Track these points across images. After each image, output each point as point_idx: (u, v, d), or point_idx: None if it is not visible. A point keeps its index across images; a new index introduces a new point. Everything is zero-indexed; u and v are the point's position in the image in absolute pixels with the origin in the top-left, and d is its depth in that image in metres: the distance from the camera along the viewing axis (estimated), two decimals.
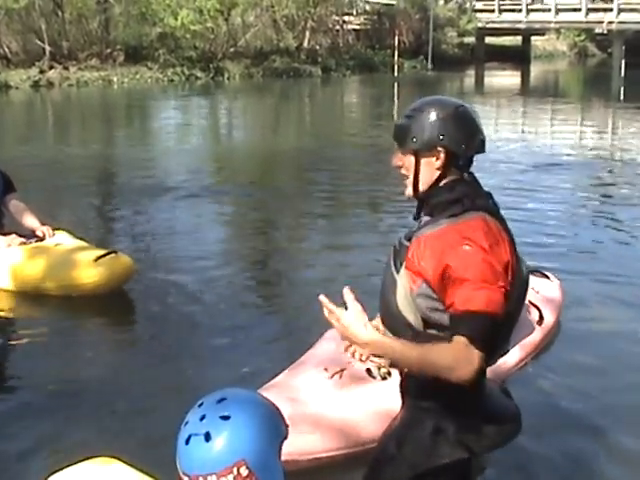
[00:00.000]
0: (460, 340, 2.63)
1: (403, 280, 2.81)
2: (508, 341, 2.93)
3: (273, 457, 2.25)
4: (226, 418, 2.22)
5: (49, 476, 2.98)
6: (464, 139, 2.85)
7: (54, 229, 7.56)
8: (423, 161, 2.86)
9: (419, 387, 2.86)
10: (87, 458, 3.03)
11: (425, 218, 2.90)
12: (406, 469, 2.87)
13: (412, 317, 2.79)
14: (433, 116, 2.84)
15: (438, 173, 2.86)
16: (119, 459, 3.01)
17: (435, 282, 2.71)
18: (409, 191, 2.93)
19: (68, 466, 2.99)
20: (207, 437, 2.19)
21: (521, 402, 3.12)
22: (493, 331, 2.65)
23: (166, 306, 7.18)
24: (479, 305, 2.62)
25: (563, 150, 16.60)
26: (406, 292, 2.79)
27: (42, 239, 7.42)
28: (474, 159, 2.92)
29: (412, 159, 2.88)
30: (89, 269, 7.02)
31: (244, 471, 2.19)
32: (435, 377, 2.66)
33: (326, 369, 4.70)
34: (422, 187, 2.89)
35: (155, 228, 10.04)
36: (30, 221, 7.48)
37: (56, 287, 7.13)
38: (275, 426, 2.28)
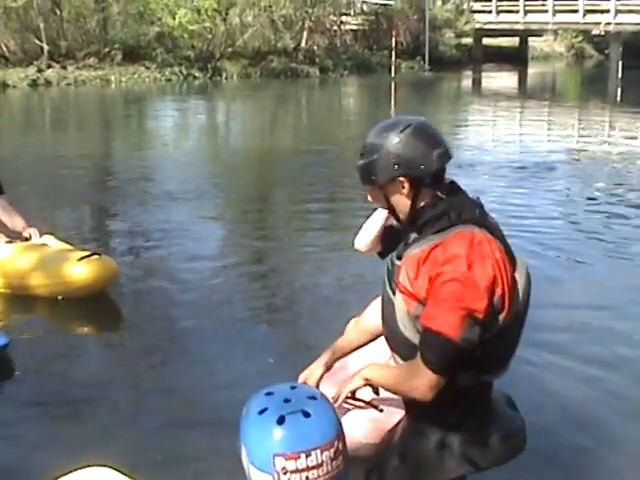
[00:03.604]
0: (417, 356, 2.70)
1: (399, 302, 2.77)
2: (511, 353, 2.88)
3: None
4: (313, 398, 2.24)
5: None
6: (419, 160, 2.76)
7: (41, 232, 7.60)
8: (391, 193, 2.83)
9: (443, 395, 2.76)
10: (80, 467, 3.00)
11: (413, 235, 2.83)
12: None
13: (413, 337, 2.75)
14: (383, 148, 2.78)
15: (410, 198, 2.81)
16: (111, 467, 2.99)
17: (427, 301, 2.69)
18: (394, 221, 2.93)
19: (59, 477, 2.96)
20: (305, 414, 2.19)
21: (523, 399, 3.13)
22: (447, 352, 2.62)
23: (159, 310, 7.18)
24: (437, 325, 2.62)
25: (560, 152, 16.61)
26: (404, 313, 2.76)
27: (28, 240, 7.46)
28: (445, 169, 2.83)
29: (381, 194, 2.86)
30: (72, 269, 7.04)
31: (341, 445, 2.20)
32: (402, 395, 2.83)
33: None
34: (402, 215, 2.85)
35: (148, 230, 10.01)
36: (17, 223, 7.52)
37: (38, 286, 7.16)
38: None
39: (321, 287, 7.70)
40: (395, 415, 4.17)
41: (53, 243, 7.56)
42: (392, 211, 2.88)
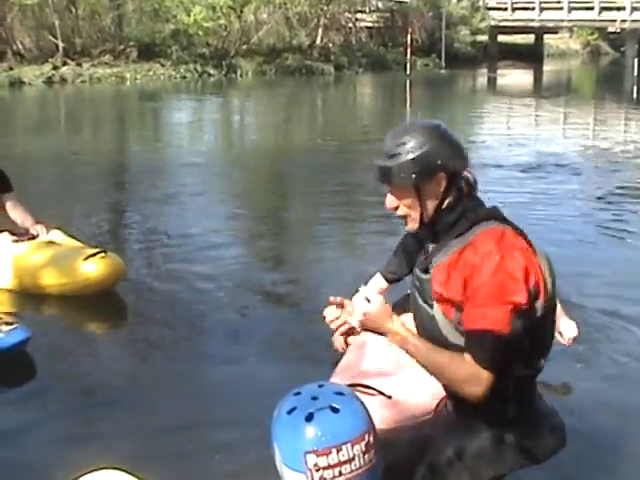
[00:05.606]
0: (469, 359, 2.69)
1: (439, 313, 2.79)
2: (553, 336, 2.94)
3: None
4: (341, 394, 2.24)
5: None
6: (458, 155, 2.82)
7: (48, 228, 7.59)
8: (426, 192, 2.81)
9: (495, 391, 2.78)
10: (92, 470, 2.95)
11: (431, 246, 2.87)
12: (468, 478, 2.88)
13: (461, 341, 2.76)
14: (423, 145, 2.77)
15: (441, 197, 2.81)
16: (123, 470, 2.95)
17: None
18: (414, 226, 2.88)
19: None
20: (333, 409, 2.19)
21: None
22: (501, 349, 2.65)
23: (171, 307, 7.09)
24: (484, 324, 2.64)
25: (575, 150, 16.53)
26: (447, 323, 2.78)
27: (35, 237, 7.46)
28: None
29: (413, 195, 2.82)
30: (78, 268, 7.02)
31: (372, 438, 2.19)
32: (447, 385, 2.81)
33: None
34: (427, 218, 2.84)
35: (160, 228, 9.92)
36: (25, 220, 7.52)
37: (45, 284, 7.15)
38: None
39: (337, 280, 7.61)
40: (404, 401, 4.22)
41: (61, 239, 7.54)
42: (420, 214, 2.84)
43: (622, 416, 5.06)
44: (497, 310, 2.63)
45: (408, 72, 37.42)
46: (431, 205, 2.82)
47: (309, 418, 2.19)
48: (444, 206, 2.82)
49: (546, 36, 52.10)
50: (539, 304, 2.73)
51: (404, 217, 2.88)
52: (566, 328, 5.38)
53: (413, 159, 2.76)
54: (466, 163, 2.85)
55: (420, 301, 2.87)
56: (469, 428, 2.89)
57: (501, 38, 49.96)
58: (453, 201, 2.82)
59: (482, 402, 2.73)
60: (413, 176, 2.77)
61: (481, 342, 2.65)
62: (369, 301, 2.84)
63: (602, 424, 4.90)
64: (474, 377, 2.67)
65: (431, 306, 2.81)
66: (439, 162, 2.76)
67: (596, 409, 5.13)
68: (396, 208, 2.87)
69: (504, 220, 2.82)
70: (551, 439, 2.93)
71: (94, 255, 7.07)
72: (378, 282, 5.05)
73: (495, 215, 2.82)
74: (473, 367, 2.67)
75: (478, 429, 2.87)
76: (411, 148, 2.77)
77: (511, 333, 2.64)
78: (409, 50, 38.78)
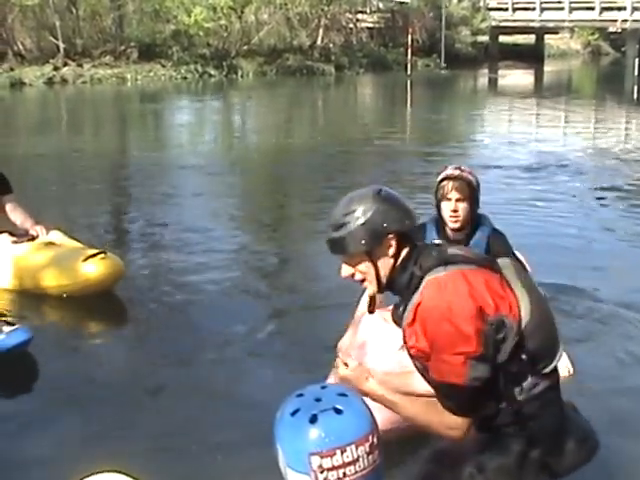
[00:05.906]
0: (440, 407, 2.81)
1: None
2: (555, 332, 2.92)
3: None
4: (344, 395, 2.24)
5: None
6: (404, 215, 2.89)
7: (48, 228, 7.58)
8: (378, 256, 2.89)
9: (505, 413, 2.86)
10: (91, 473, 2.92)
11: (402, 305, 2.93)
12: None
13: None
14: (367, 211, 2.85)
15: (394, 258, 2.90)
16: (123, 472, 2.92)
17: None
18: (373, 289, 2.97)
19: None
20: (337, 411, 2.20)
21: None
22: (463, 397, 2.75)
23: (171, 308, 7.10)
24: (440, 376, 2.75)
25: (576, 150, 16.53)
26: None
27: (35, 238, 7.45)
28: None
29: (366, 260, 2.90)
30: (78, 269, 7.00)
31: (376, 439, 2.20)
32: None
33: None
34: (384, 278, 2.92)
35: (160, 228, 9.85)
36: (25, 221, 7.51)
37: (45, 285, 7.14)
38: None
39: (337, 277, 7.56)
40: None
41: (60, 240, 7.53)
42: (377, 277, 2.93)
43: (634, 409, 5.06)
44: (450, 363, 2.72)
45: (409, 72, 37.48)
46: (385, 267, 2.91)
47: (313, 420, 2.20)
48: (398, 263, 2.91)
49: (547, 36, 52.14)
50: (511, 323, 2.75)
51: (362, 282, 2.97)
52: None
53: (360, 226, 2.86)
54: (413, 220, 2.93)
55: (412, 360, 2.93)
56: (496, 446, 2.92)
57: (502, 38, 50.01)
58: (406, 258, 2.90)
59: (506, 419, 2.84)
60: (362, 242, 2.86)
61: (442, 392, 2.79)
62: (347, 365, 2.99)
63: (612, 419, 4.87)
64: (448, 423, 2.80)
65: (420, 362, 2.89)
66: (385, 225, 2.85)
67: (608, 403, 5.10)
68: (352, 275, 2.96)
69: (448, 262, 2.84)
70: (576, 455, 2.94)
71: (94, 256, 7.05)
72: None
73: (446, 259, 2.85)
74: (444, 414, 2.80)
75: (505, 446, 2.90)
76: (357, 216, 2.86)
77: (469, 382, 2.72)
78: (410, 50, 38.82)
